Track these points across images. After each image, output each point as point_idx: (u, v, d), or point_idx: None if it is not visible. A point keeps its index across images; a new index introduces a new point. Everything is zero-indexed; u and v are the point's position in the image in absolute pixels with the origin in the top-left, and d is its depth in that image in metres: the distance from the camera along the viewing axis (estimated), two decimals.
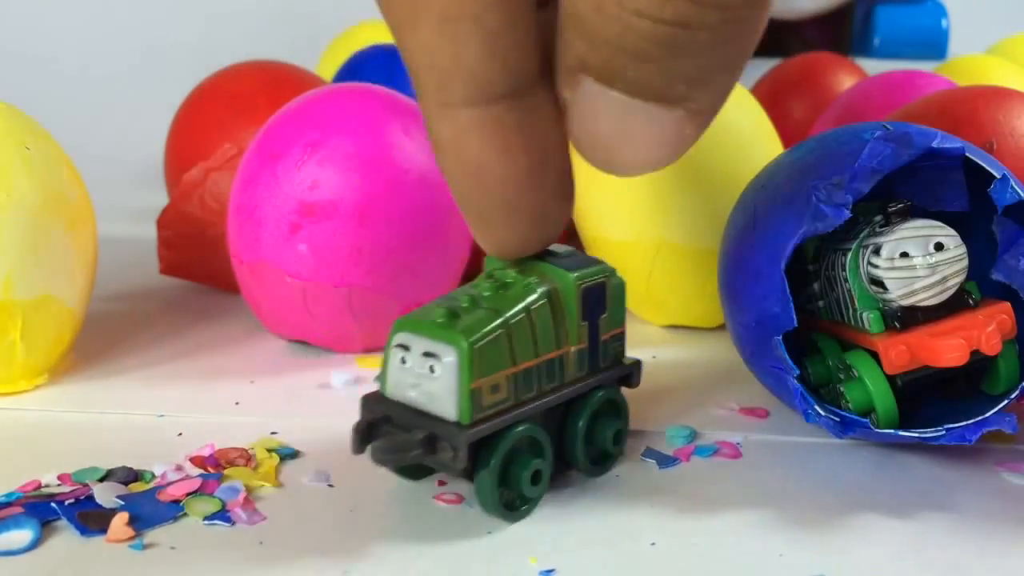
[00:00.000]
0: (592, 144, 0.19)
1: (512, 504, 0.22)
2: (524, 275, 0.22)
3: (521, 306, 0.21)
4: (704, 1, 0.16)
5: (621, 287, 0.24)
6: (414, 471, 0.23)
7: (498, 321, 0.21)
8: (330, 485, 0.24)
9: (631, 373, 0.25)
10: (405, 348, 0.21)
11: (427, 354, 0.21)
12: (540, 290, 0.22)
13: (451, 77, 0.18)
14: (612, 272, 0.24)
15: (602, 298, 0.23)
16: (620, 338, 0.24)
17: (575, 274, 0.22)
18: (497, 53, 0.18)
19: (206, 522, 0.22)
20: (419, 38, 0.18)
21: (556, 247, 0.23)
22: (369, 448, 0.21)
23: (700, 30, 0.16)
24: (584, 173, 0.34)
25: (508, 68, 0.18)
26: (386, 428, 0.21)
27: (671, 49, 0.17)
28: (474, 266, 0.35)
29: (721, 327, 0.34)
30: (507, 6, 0.18)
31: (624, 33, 0.17)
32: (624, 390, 0.25)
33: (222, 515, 0.22)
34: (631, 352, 0.32)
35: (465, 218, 0.21)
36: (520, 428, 0.22)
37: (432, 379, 0.21)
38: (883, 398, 0.24)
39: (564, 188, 0.21)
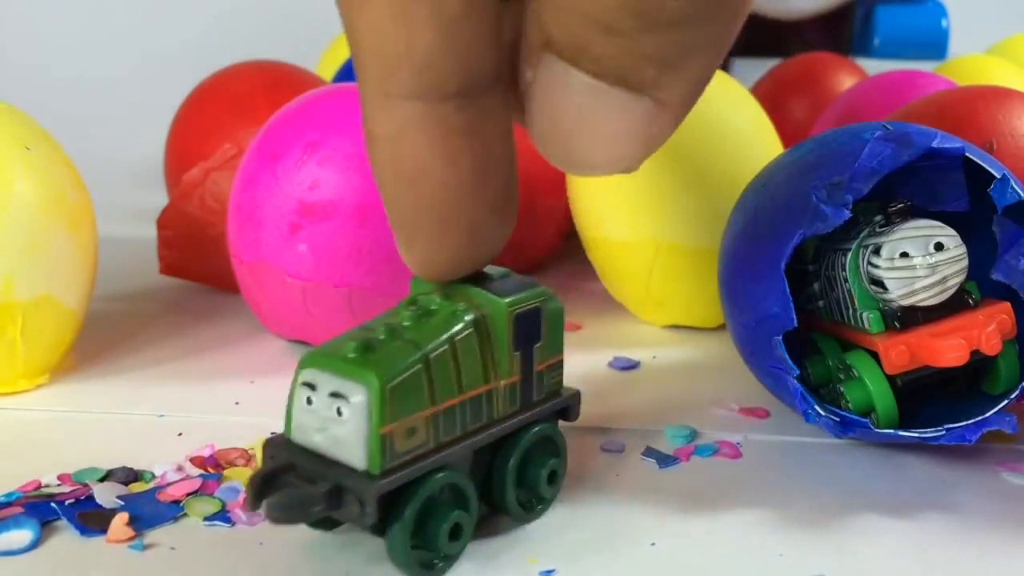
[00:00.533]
0: (551, 133, 0.17)
1: (429, 563, 0.20)
2: (450, 301, 0.20)
3: (444, 337, 0.19)
4: None
5: (558, 312, 0.22)
6: (326, 522, 0.21)
7: (417, 355, 0.19)
8: None
9: (569, 406, 0.23)
10: (311, 387, 0.19)
11: (334, 394, 0.19)
12: (467, 318, 0.20)
13: (399, 65, 0.16)
14: (550, 296, 0.22)
15: (537, 325, 0.21)
16: (557, 368, 0.22)
17: (507, 299, 0.20)
18: (454, 44, 0.16)
19: (206, 522, 0.22)
20: (367, 17, 0.16)
21: (489, 268, 0.21)
22: (263, 505, 0.18)
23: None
24: None
25: (464, 63, 0.17)
26: (287, 479, 0.19)
27: (642, 19, 0.15)
28: None
29: (721, 327, 0.34)
30: None
31: (591, 0, 0.15)
32: (624, 390, 0.25)
33: (222, 515, 0.22)
34: (631, 352, 0.32)
35: (392, 227, 0.19)
36: (439, 475, 0.20)
37: (339, 423, 0.19)
38: (883, 398, 0.24)
39: (505, 205, 0.19)
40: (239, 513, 0.22)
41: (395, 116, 0.17)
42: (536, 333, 0.21)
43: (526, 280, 0.21)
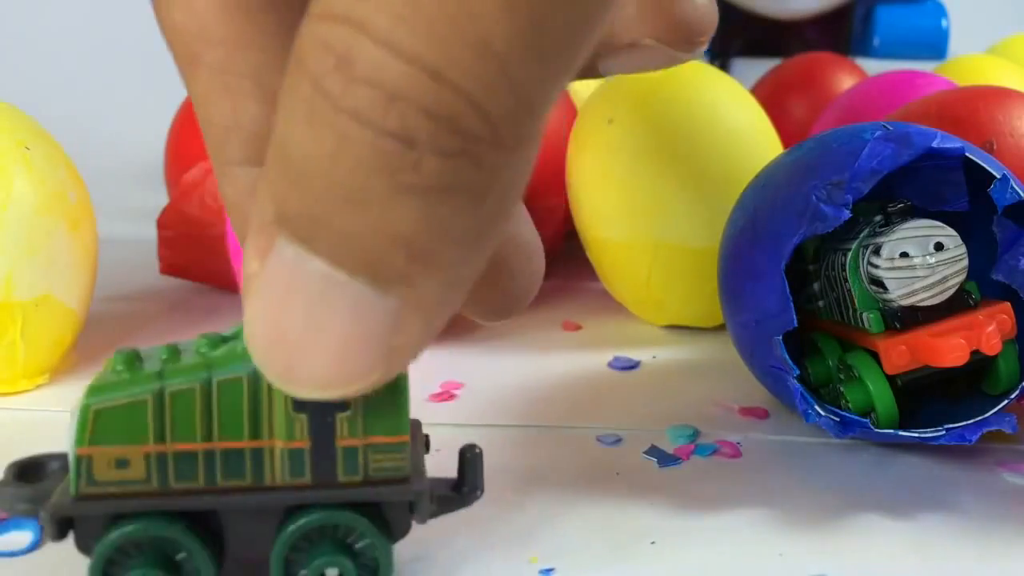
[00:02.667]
0: (271, 338, 0.14)
1: None
2: (241, 340, 0.18)
3: (201, 375, 0.18)
4: (438, 114, 0.12)
5: (400, 381, 0.18)
6: None
7: (150, 386, 0.17)
8: None
9: (413, 503, 0.19)
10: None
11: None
12: (243, 362, 0.18)
13: (229, 134, 0.17)
14: None
15: None
16: (393, 449, 0.18)
17: None
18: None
19: None
20: (198, 88, 0.17)
21: None
22: None
23: (429, 156, 0.12)
24: (585, 172, 0.34)
25: None
26: (52, 470, 0.19)
27: (392, 180, 0.13)
28: None
29: (721, 327, 0.34)
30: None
31: (338, 152, 0.12)
32: (624, 390, 0.24)
33: None
34: (631, 352, 0.32)
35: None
36: (151, 522, 0.18)
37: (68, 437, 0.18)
38: (883, 398, 0.24)
39: None
40: None
41: (234, 184, 0.18)
42: (339, 401, 0.18)
43: None
